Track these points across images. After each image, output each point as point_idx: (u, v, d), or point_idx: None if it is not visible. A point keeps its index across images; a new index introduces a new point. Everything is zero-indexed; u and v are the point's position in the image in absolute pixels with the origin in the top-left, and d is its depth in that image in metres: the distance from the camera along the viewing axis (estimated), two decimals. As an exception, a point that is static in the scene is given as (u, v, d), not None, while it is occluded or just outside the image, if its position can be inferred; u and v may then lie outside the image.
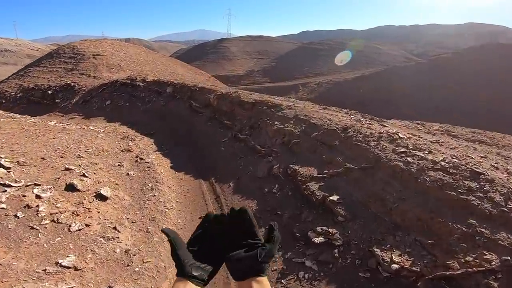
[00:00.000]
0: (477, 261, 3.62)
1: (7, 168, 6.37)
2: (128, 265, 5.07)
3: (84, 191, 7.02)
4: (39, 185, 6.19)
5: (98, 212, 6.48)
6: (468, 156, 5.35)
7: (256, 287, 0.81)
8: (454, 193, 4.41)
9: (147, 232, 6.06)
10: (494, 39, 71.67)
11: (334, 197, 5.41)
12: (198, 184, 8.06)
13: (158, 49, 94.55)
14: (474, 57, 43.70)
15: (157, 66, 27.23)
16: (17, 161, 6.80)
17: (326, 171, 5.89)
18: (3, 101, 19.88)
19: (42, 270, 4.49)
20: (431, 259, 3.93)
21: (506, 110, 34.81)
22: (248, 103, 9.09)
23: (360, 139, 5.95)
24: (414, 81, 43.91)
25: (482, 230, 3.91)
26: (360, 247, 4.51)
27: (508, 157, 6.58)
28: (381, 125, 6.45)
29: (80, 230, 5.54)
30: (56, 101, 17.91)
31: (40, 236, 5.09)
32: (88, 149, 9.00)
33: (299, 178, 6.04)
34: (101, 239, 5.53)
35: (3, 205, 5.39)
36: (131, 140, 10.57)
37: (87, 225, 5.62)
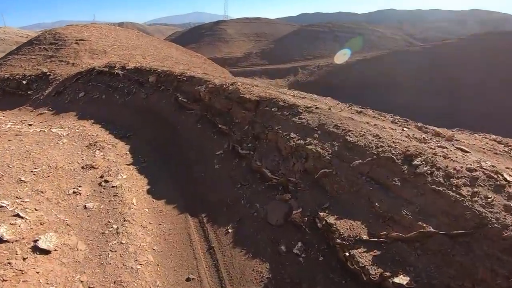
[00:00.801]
0: None
1: None
2: None
3: (16, 241, 4.70)
4: None
5: (37, 273, 4.22)
6: None
7: None
8: None
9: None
10: (498, 27, 67.94)
11: (401, 279, 3.09)
12: (183, 221, 5.52)
13: (153, 32, 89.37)
14: (479, 43, 40.82)
15: (149, 50, 24.17)
16: None
17: (384, 232, 3.45)
18: (-25, 93, 17.19)
19: None
20: None
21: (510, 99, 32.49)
22: (250, 101, 6.48)
23: (441, 180, 3.46)
24: (417, 65, 41.24)
25: None
26: None
27: None
28: (461, 151, 4.02)
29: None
30: (29, 92, 15.26)
31: None
32: (36, 168, 6.53)
33: (337, 239, 3.66)
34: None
35: None
36: (99, 149, 8.06)
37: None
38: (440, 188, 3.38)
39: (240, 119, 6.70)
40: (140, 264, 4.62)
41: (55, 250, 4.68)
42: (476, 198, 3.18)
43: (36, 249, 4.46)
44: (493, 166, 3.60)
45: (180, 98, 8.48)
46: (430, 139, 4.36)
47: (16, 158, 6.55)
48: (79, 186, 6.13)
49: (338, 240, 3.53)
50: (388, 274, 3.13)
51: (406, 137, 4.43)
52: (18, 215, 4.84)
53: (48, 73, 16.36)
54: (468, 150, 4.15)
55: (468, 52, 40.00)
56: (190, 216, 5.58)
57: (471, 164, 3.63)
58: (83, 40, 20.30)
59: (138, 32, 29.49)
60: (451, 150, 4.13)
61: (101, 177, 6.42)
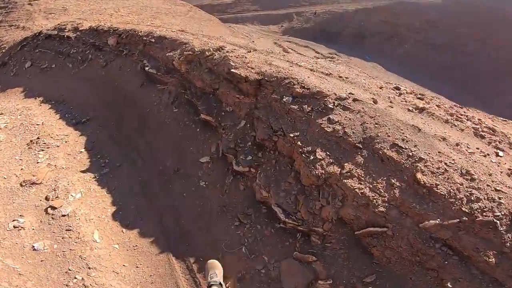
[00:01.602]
0: None
1: None
2: None
3: None
4: None
5: None
6: None
7: None
8: None
9: None
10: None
11: None
12: (166, 264, 3.53)
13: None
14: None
15: (125, 2, 19.98)
16: None
17: None
18: None
19: None
20: None
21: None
22: (248, 81, 4.01)
23: None
24: (424, 18, 36.34)
25: None
26: None
27: None
28: None
29: None
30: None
31: None
32: None
33: None
34: None
35: None
36: (43, 149, 5.67)
37: None
38: None
39: (232, 106, 4.38)
40: None
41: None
42: None
43: None
44: None
45: (147, 68, 5.95)
46: None
47: None
48: (20, 215, 3.94)
49: None
50: None
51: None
52: None
53: (-6, 40, 12.97)
54: None
55: (480, 8, 34.80)
56: (174, 259, 3.50)
57: None
58: (37, -1, 16.15)
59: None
60: None
61: (47, 199, 4.15)
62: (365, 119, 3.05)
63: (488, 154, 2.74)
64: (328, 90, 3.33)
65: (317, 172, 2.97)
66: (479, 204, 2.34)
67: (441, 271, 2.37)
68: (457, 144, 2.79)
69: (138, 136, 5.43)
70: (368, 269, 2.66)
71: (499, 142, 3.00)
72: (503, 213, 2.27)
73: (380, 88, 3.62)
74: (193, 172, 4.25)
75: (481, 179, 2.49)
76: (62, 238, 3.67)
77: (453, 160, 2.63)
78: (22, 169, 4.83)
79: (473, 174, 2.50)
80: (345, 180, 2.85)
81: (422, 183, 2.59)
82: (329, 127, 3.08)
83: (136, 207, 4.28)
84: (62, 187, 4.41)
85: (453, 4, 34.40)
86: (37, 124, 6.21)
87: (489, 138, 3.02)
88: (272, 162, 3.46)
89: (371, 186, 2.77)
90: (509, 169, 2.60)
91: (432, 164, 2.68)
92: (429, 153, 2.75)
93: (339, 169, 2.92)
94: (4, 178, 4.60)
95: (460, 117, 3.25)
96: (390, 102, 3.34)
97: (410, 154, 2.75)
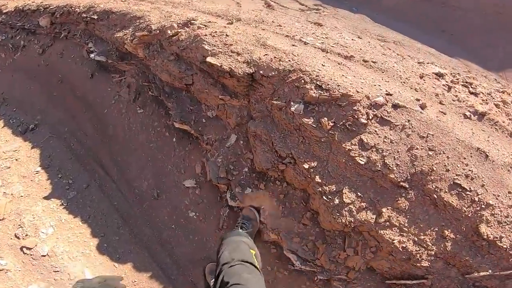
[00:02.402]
0: None
1: None
2: None
3: None
4: None
5: None
6: None
7: None
8: None
9: None
10: None
11: None
12: None
13: None
14: None
15: None
16: None
17: None
18: None
19: None
20: None
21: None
22: (234, 75, 2.67)
23: None
24: None
25: None
26: None
27: None
28: None
29: None
30: None
31: None
32: None
33: None
34: None
35: None
36: None
37: None
38: None
39: (215, 110, 3.18)
40: None
41: None
42: None
43: None
44: None
45: (94, 55, 4.41)
46: None
47: None
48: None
49: None
50: None
51: None
52: None
53: None
54: None
55: None
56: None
57: None
58: None
59: None
60: None
61: (17, 237, 3.28)
62: (413, 141, 2.05)
63: None
64: (357, 91, 2.22)
65: (343, 221, 2.08)
66: None
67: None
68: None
69: (101, 147, 4.23)
70: None
71: None
72: None
73: (421, 77, 2.53)
74: (178, 200, 3.25)
75: None
76: (54, 280, 3.02)
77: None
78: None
79: None
80: (381, 231, 2.01)
81: (486, 237, 1.84)
82: (362, 156, 2.07)
83: (120, 239, 3.49)
84: (28, 222, 3.50)
85: None
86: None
87: None
88: (279, 197, 2.51)
89: (416, 239, 1.96)
90: None
91: (501, 211, 1.88)
92: (498, 196, 1.90)
93: (374, 216, 2.04)
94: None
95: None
96: (440, 103, 2.31)
97: (476, 199, 1.89)
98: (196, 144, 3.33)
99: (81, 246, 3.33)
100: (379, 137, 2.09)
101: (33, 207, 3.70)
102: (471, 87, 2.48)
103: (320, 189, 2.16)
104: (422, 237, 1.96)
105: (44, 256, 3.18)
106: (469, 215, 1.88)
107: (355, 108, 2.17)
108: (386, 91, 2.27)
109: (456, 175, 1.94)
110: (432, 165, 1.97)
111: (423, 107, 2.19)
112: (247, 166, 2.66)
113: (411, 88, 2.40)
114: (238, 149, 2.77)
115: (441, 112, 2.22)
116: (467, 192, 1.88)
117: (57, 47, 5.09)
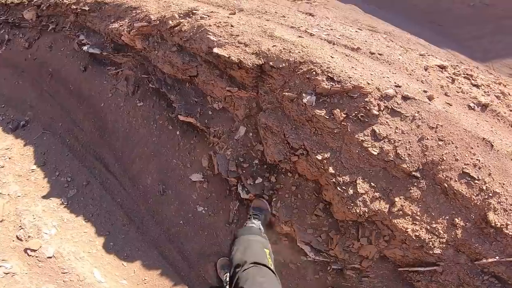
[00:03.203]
0: None
1: None
2: None
3: None
4: None
5: None
6: None
7: None
8: None
9: None
10: None
11: None
12: None
13: None
14: None
15: None
16: None
17: None
18: None
19: None
20: None
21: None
22: (243, 67, 2.61)
23: None
24: None
25: None
26: None
27: None
28: None
29: None
30: None
31: None
32: None
33: None
34: None
35: None
36: None
37: None
38: None
39: (222, 102, 3.15)
40: None
41: None
42: None
43: None
44: None
45: (87, 48, 4.20)
46: None
47: None
48: (3, 260, 3.04)
49: None
50: None
51: None
52: None
53: None
54: None
55: None
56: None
57: None
58: None
59: None
60: None
61: (19, 239, 3.13)
62: (423, 131, 2.11)
63: None
64: (368, 83, 2.25)
65: (358, 211, 2.14)
66: None
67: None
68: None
69: (100, 143, 4.09)
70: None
71: None
72: None
73: (426, 69, 2.58)
74: (185, 195, 3.22)
75: None
76: (64, 282, 2.92)
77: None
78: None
79: None
80: (395, 220, 2.08)
81: (494, 224, 1.94)
82: (375, 146, 2.12)
83: (126, 236, 3.42)
84: (28, 223, 3.34)
85: None
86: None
87: None
88: (291, 189, 2.53)
89: (428, 227, 2.04)
90: None
91: (506, 199, 1.98)
92: (503, 184, 1.99)
93: (388, 206, 2.11)
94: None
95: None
96: (446, 95, 2.37)
97: (484, 187, 1.98)
98: (201, 137, 3.28)
99: (87, 246, 3.24)
100: (390, 128, 2.13)
101: (32, 207, 3.54)
102: (472, 79, 2.56)
103: (334, 180, 2.19)
104: (434, 225, 2.03)
105: (50, 257, 3.05)
106: (478, 203, 1.96)
107: (366, 99, 2.20)
108: (395, 83, 2.30)
109: (465, 164, 2.02)
110: (442, 154, 2.04)
111: (430, 98, 2.25)
112: (257, 158, 2.66)
113: (417, 80, 2.45)
114: (247, 141, 2.75)
115: (447, 103, 2.29)
116: (476, 181, 1.96)
117: (45, 40, 4.81)
